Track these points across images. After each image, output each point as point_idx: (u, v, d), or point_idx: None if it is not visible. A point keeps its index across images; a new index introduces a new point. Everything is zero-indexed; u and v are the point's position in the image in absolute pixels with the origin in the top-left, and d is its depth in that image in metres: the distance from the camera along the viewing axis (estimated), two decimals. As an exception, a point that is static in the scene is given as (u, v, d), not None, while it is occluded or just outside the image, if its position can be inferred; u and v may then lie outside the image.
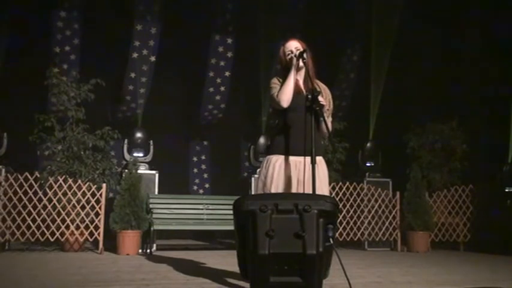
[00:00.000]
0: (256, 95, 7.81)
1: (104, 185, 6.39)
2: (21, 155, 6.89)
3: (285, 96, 3.24)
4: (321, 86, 3.43)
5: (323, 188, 3.24)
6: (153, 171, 7.08)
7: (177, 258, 5.63)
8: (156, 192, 6.99)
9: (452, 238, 7.50)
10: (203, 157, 9.43)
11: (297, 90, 3.29)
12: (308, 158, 3.13)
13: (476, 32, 8.17)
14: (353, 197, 7.35)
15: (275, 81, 3.38)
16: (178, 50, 8.27)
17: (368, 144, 8.02)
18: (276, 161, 3.27)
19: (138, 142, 7.35)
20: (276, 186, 3.23)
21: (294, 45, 3.37)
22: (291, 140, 3.27)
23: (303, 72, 3.36)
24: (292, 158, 3.26)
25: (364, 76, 8.38)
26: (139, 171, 6.63)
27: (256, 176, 5.74)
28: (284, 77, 3.34)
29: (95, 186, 6.32)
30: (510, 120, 7.72)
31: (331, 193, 7.06)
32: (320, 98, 3.14)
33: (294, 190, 3.22)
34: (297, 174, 3.24)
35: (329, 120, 3.35)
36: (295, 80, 3.30)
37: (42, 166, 6.40)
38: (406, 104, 8.74)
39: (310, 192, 3.08)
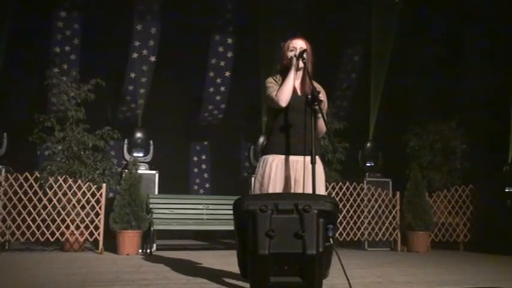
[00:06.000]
0: (257, 95, 7.82)
1: (104, 185, 6.39)
2: (21, 155, 6.89)
3: (285, 95, 3.25)
4: (317, 87, 3.43)
5: (320, 187, 3.23)
6: (153, 171, 7.08)
7: (177, 258, 5.63)
8: (156, 192, 6.99)
9: (452, 238, 7.51)
10: (203, 157, 9.43)
11: (293, 90, 3.30)
12: (306, 158, 3.14)
13: (477, 32, 8.17)
14: (353, 197, 7.35)
15: (271, 81, 3.39)
16: (178, 50, 8.26)
17: (368, 144, 8.02)
18: (273, 161, 3.27)
19: (138, 142, 7.35)
20: (274, 186, 3.22)
21: (299, 44, 3.38)
22: (287, 139, 3.28)
23: (300, 72, 3.37)
24: (289, 158, 3.26)
25: (365, 76, 8.38)
26: (139, 171, 6.63)
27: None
28: (283, 76, 3.35)
29: (95, 186, 6.32)
30: (510, 120, 7.72)
31: (330, 193, 7.06)
32: (319, 94, 3.15)
33: (291, 190, 3.22)
34: (294, 173, 3.24)
35: (322, 120, 3.33)
36: (294, 79, 3.30)
37: (42, 166, 6.39)
38: (406, 104, 8.73)
39: (308, 191, 3.08)
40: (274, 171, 3.25)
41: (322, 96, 3.29)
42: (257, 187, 3.31)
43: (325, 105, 3.38)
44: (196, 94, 8.73)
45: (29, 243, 6.41)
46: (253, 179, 3.41)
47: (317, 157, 3.31)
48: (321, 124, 3.29)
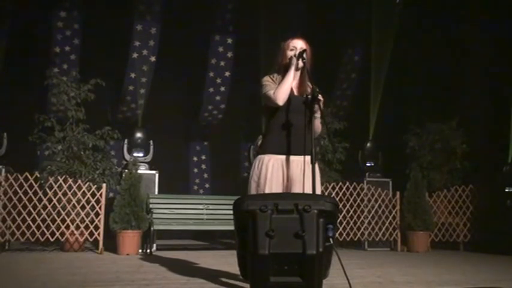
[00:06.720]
0: (257, 95, 7.82)
1: (104, 185, 6.39)
2: (21, 155, 6.90)
3: (283, 94, 3.23)
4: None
5: (316, 187, 3.21)
6: (153, 171, 7.08)
7: (177, 258, 5.63)
8: (156, 192, 7.00)
9: (452, 238, 7.50)
10: (203, 157, 9.43)
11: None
12: (302, 157, 3.14)
13: (477, 31, 8.17)
14: (353, 197, 7.35)
15: (267, 79, 3.37)
16: (178, 50, 8.27)
17: (368, 144, 8.02)
18: (269, 161, 3.24)
19: (138, 142, 7.36)
20: (270, 187, 3.19)
21: (299, 44, 3.36)
22: (283, 139, 3.25)
23: (298, 72, 3.36)
24: (285, 158, 3.24)
25: (365, 76, 8.38)
26: (139, 171, 6.63)
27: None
28: (280, 75, 3.34)
29: (95, 186, 6.32)
30: (510, 120, 7.71)
31: (330, 193, 7.07)
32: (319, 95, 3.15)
33: (288, 190, 3.21)
34: (290, 173, 3.23)
35: (319, 120, 3.33)
36: (294, 79, 3.30)
37: (42, 166, 6.39)
38: (406, 104, 8.73)
39: (305, 191, 3.07)
40: (271, 172, 3.22)
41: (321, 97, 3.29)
42: (253, 187, 3.27)
43: (322, 106, 3.37)
44: (196, 94, 8.73)
45: (29, 243, 6.41)
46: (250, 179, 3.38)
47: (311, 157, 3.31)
48: (317, 125, 3.28)
